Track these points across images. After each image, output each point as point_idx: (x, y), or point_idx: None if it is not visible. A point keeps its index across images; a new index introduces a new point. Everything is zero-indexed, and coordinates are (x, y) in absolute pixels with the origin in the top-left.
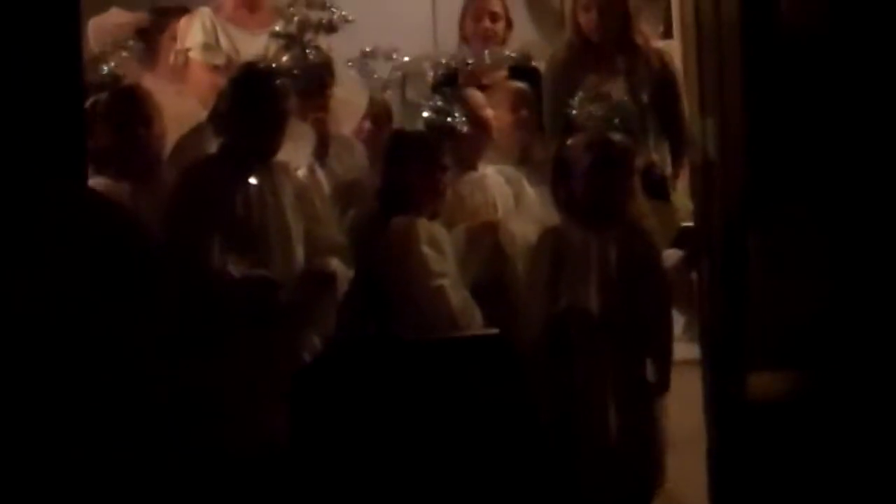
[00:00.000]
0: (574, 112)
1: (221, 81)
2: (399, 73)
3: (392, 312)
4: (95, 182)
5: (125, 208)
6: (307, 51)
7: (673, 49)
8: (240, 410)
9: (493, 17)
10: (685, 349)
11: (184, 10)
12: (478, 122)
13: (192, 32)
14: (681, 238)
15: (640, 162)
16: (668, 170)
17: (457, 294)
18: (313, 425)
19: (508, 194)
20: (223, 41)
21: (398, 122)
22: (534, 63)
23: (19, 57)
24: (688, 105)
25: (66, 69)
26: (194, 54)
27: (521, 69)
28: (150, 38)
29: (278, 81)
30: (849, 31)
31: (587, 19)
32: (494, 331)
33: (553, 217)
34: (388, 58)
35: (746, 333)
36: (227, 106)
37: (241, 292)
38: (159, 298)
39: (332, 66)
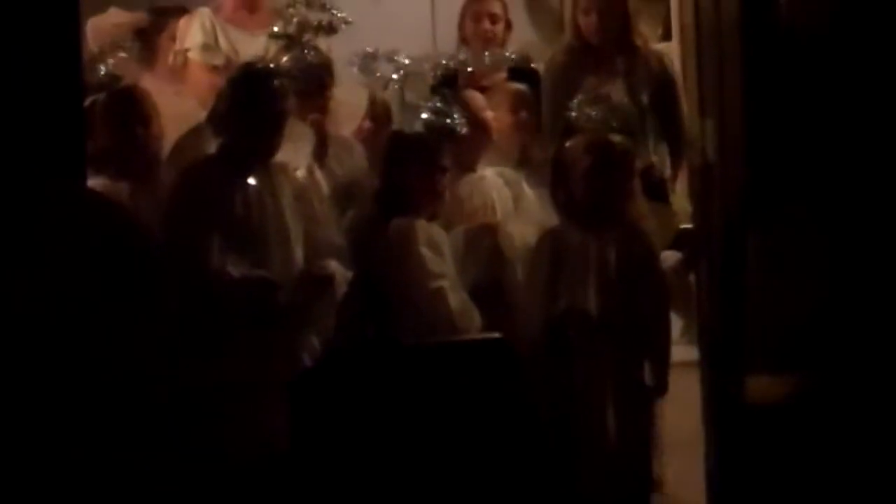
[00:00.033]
0: (573, 114)
1: (220, 82)
2: (400, 74)
3: (391, 314)
4: (94, 182)
5: (124, 208)
6: (306, 52)
7: (672, 51)
8: (239, 411)
9: (493, 19)
10: (684, 351)
11: (182, 11)
12: (477, 124)
13: (191, 33)
14: (679, 240)
15: (639, 164)
16: (668, 171)
17: (456, 295)
18: (314, 429)
19: (507, 196)
20: (222, 42)
21: (397, 123)
22: (533, 65)
23: (19, 57)
24: (687, 107)
25: (65, 69)
26: (193, 55)
27: (520, 71)
28: (149, 38)
29: (277, 82)
30: (848, 32)
31: (587, 21)
32: (496, 335)
33: (552, 219)
34: (390, 59)
35: (745, 335)
36: (226, 106)
37: (240, 293)
38: (159, 299)
39: (332, 68)
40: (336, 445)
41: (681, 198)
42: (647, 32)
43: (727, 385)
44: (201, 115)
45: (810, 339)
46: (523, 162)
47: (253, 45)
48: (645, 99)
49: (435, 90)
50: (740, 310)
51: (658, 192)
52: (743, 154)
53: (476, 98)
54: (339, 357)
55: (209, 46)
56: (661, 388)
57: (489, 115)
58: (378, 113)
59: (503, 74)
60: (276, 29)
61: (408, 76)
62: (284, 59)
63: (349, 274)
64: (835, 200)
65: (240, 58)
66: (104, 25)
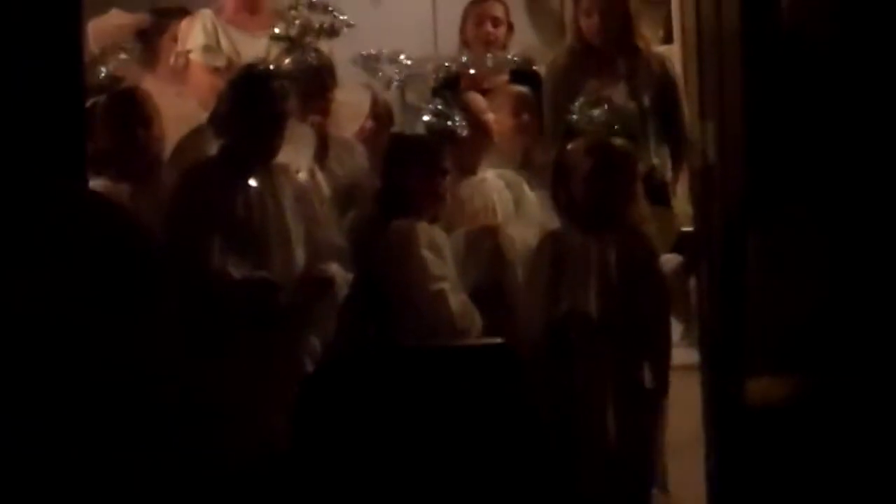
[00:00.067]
0: (574, 117)
1: (222, 83)
2: (402, 75)
3: (392, 315)
4: (95, 183)
5: (125, 209)
6: (308, 54)
7: (673, 54)
8: (240, 412)
9: (495, 22)
10: (684, 354)
11: (184, 12)
12: (478, 127)
13: (193, 34)
14: (680, 243)
15: (641, 167)
16: (669, 174)
17: (456, 297)
18: (316, 432)
19: (508, 198)
20: (224, 43)
21: (398, 125)
22: (534, 67)
23: (20, 58)
24: (687, 109)
25: (66, 70)
26: (195, 56)
27: (521, 73)
28: (151, 39)
29: (277, 83)
30: (849, 35)
31: (589, 24)
32: (497, 340)
33: (553, 221)
34: (392, 61)
35: (745, 337)
36: (227, 108)
37: (240, 294)
38: (159, 300)
39: (334, 70)
40: (338, 449)
41: (681, 201)
42: (648, 35)
43: (727, 387)
44: (202, 116)
45: (811, 340)
46: (525, 164)
47: (254, 47)
48: (646, 101)
49: (436, 92)
50: (740, 311)
51: (659, 195)
52: (743, 156)
53: (477, 100)
54: (342, 361)
55: (211, 48)
56: (661, 390)
57: (490, 117)
58: (380, 113)
59: (505, 77)
60: (277, 31)
61: (409, 78)
62: (286, 61)
63: (350, 276)
64: (835, 202)
65: (241, 59)
66: (105, 27)
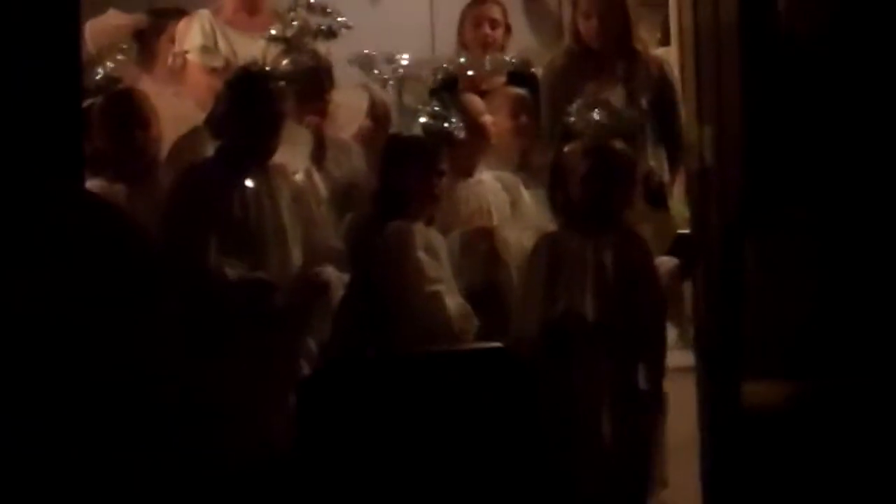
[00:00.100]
0: (572, 119)
1: (219, 84)
2: (399, 73)
3: (388, 317)
4: (92, 184)
5: (122, 210)
6: (305, 55)
7: (670, 56)
8: (238, 412)
9: (493, 24)
10: (679, 356)
11: (181, 12)
12: (475, 129)
13: (190, 35)
14: (676, 246)
15: (639, 169)
16: (666, 176)
17: (452, 299)
18: (315, 437)
19: (504, 200)
20: (222, 44)
21: (395, 126)
22: (532, 69)
23: (18, 58)
24: (685, 111)
25: (64, 71)
26: (192, 56)
27: (519, 75)
28: (148, 40)
29: (273, 84)
30: (846, 37)
31: (587, 26)
32: (497, 344)
33: (549, 223)
34: (390, 61)
35: (742, 340)
36: (223, 108)
37: (237, 294)
38: (157, 300)
39: (332, 71)
40: (337, 453)
41: (678, 203)
42: (646, 37)
43: (724, 390)
44: (200, 116)
45: (807, 344)
46: (523, 166)
47: (252, 48)
48: (644, 104)
49: (433, 94)
50: (737, 314)
51: (657, 197)
52: (741, 158)
53: (475, 102)
54: (341, 366)
55: (208, 48)
56: (655, 392)
57: (488, 119)
58: (378, 114)
59: (502, 79)
60: (273, 32)
61: (406, 79)
62: (284, 62)
63: (346, 277)
64: (833, 205)
65: (239, 60)
66: (103, 27)
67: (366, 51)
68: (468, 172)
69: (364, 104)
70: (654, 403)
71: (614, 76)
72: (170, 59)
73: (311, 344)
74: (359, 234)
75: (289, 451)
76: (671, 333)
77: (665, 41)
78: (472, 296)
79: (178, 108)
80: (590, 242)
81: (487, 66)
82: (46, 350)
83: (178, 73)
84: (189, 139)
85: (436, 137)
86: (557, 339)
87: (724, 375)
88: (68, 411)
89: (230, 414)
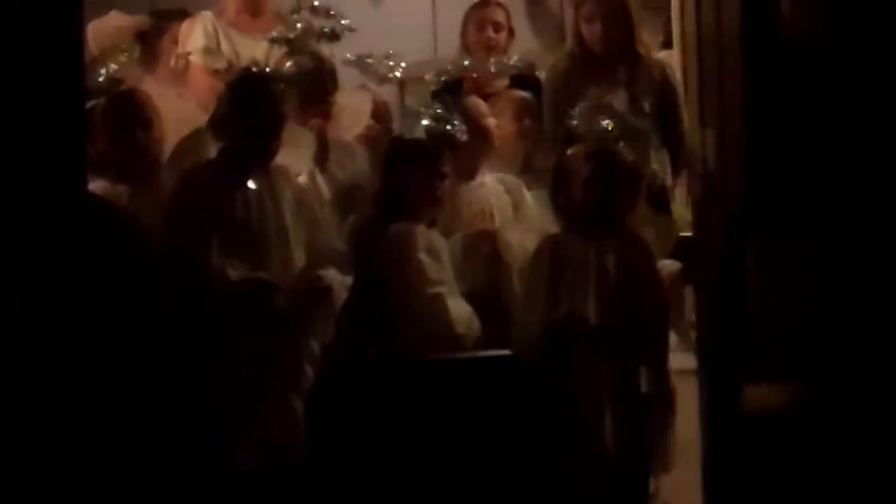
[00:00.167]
0: (575, 122)
1: (222, 85)
2: (396, 70)
3: (389, 318)
4: (95, 186)
5: (125, 211)
6: (309, 57)
7: (672, 59)
8: (240, 415)
9: (496, 27)
10: (681, 359)
11: (184, 14)
12: (477, 131)
13: (193, 36)
14: (678, 249)
15: (642, 173)
16: (668, 180)
17: (454, 302)
18: (322, 444)
19: (507, 203)
20: (224, 45)
21: (397, 128)
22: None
23: (21, 59)
24: (687, 115)
25: (66, 72)
26: (195, 58)
27: (522, 78)
28: (151, 41)
29: (275, 86)
30: (849, 40)
31: (590, 30)
32: (505, 352)
33: (552, 226)
34: (387, 58)
35: (744, 343)
36: (225, 110)
37: (240, 295)
38: (159, 302)
39: (335, 73)
40: (343, 459)
41: (680, 206)
42: (648, 41)
43: (725, 392)
44: (202, 118)
45: (809, 347)
46: (526, 169)
47: (255, 49)
48: (647, 108)
49: (436, 96)
50: (738, 317)
51: (659, 200)
52: (743, 161)
53: (478, 105)
54: (347, 373)
55: (211, 50)
56: (657, 394)
57: (491, 122)
58: (382, 114)
59: (506, 82)
60: (275, 33)
61: (408, 81)
62: (288, 64)
63: (348, 280)
64: (835, 209)
65: (241, 62)
66: (105, 28)
67: (361, 52)
68: (470, 175)
69: (367, 106)
70: (658, 405)
71: (617, 80)
72: (172, 61)
73: (314, 346)
74: (361, 236)
75: (292, 453)
76: (672, 336)
77: (667, 44)
78: (474, 298)
79: (180, 109)
80: (592, 245)
81: (491, 69)
82: (48, 351)
83: (181, 74)
84: (191, 140)
85: (438, 140)
86: (559, 342)
87: (725, 377)
88: (70, 412)
89: (232, 415)
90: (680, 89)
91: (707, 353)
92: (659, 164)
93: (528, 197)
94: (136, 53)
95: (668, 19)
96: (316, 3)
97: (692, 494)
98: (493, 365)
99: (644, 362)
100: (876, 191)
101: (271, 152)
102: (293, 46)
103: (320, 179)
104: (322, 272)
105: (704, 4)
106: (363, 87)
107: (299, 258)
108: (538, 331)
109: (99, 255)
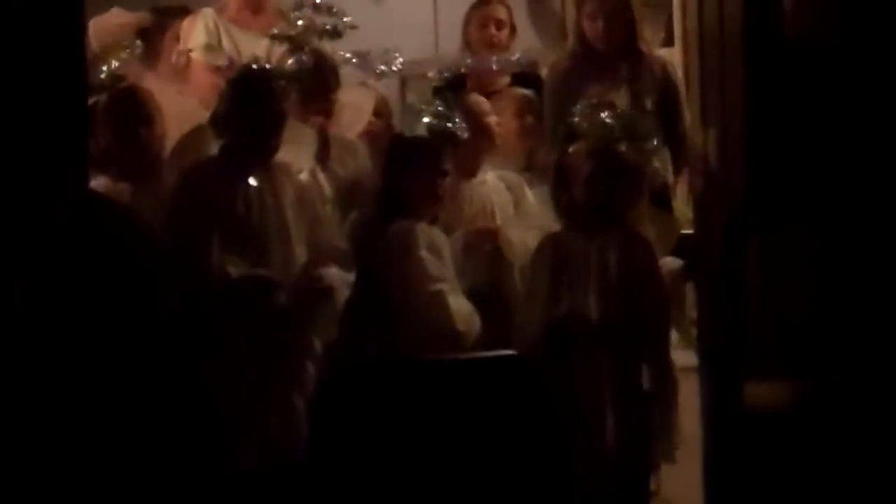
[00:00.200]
0: (576, 120)
1: (223, 82)
2: (395, 67)
3: (390, 316)
4: (96, 182)
5: (126, 208)
6: (311, 55)
7: (674, 56)
8: (242, 413)
9: (498, 25)
10: (681, 356)
11: (185, 10)
12: (479, 129)
13: (194, 33)
14: (680, 246)
15: (644, 171)
16: (669, 177)
17: (456, 299)
18: (325, 444)
19: (508, 200)
20: (226, 42)
21: (398, 125)
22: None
23: (22, 57)
24: (688, 112)
25: (68, 69)
26: (196, 55)
27: (523, 76)
28: (152, 38)
29: (275, 83)
30: (851, 39)
31: (592, 27)
32: (510, 352)
33: (553, 223)
34: (386, 54)
35: (744, 341)
36: (226, 107)
37: (241, 292)
38: (161, 298)
39: (337, 71)
40: (347, 460)
41: (681, 203)
42: (649, 38)
43: (726, 390)
44: (204, 115)
45: (810, 345)
46: (528, 167)
47: (256, 47)
48: (648, 105)
49: (437, 93)
50: (740, 315)
51: (660, 198)
52: (744, 159)
53: (480, 103)
54: (352, 374)
55: (212, 47)
56: (659, 392)
57: (493, 120)
58: (384, 111)
59: (507, 79)
60: (276, 30)
61: (410, 78)
62: (290, 61)
63: (350, 277)
64: (836, 207)
65: (243, 59)
66: (107, 25)
67: (360, 49)
68: (472, 172)
69: (369, 104)
70: (657, 404)
71: (618, 77)
72: (174, 58)
73: (317, 344)
74: (362, 233)
75: (293, 453)
76: (673, 334)
77: (669, 42)
78: (476, 295)
79: (181, 106)
80: (594, 243)
81: (493, 67)
82: (50, 349)
83: (182, 71)
84: (193, 137)
85: (439, 137)
86: (561, 340)
87: (726, 375)
88: (70, 411)
89: (232, 415)
90: (681, 87)
91: (708, 350)
92: (660, 161)
93: (530, 194)
94: (138, 50)
95: (670, 17)
96: (317, 1)
97: (693, 492)
98: (498, 365)
99: (645, 360)
100: (877, 189)
101: (272, 149)
102: (294, 43)
103: (321, 177)
104: (323, 270)
105: (706, 2)
106: (362, 83)
107: (300, 255)
108: (539, 328)
109: (100, 251)
